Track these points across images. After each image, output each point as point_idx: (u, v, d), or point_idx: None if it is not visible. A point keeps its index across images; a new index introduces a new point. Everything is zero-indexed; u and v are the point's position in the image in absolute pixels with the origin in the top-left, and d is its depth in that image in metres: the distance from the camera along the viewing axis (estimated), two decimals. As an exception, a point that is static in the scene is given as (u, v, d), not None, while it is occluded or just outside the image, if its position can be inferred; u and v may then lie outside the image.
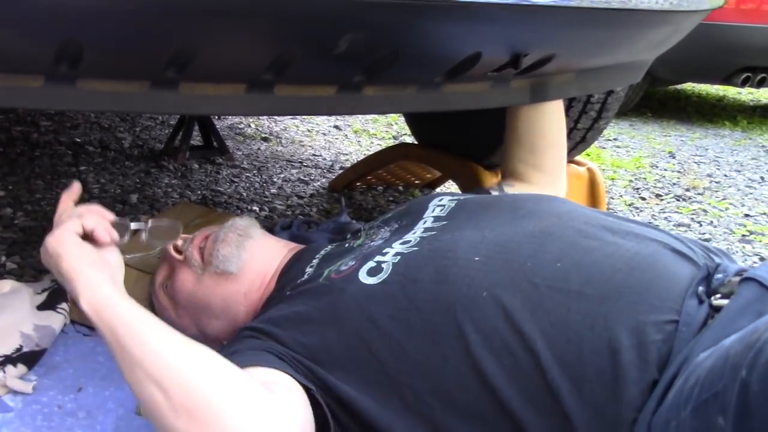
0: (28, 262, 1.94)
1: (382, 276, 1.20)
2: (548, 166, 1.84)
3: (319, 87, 1.33)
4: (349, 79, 1.31)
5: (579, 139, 2.30)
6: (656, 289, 1.09)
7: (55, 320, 1.50)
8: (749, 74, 4.87)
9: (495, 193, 1.74)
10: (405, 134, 4.07)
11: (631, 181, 3.57)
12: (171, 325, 1.13)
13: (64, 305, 1.54)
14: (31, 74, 1.16)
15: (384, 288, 1.18)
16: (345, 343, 1.16)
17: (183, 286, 1.43)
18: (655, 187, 3.49)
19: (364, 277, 1.21)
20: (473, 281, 1.14)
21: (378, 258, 1.25)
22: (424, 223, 1.35)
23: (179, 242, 1.46)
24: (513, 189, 1.78)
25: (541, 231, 1.23)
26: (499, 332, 1.08)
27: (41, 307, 1.52)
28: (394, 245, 1.28)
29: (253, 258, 1.42)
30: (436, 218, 1.36)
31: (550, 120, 1.84)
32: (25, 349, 1.41)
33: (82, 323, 1.57)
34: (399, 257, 1.23)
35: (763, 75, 4.87)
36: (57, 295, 1.55)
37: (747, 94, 7.01)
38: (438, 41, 1.29)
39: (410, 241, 1.28)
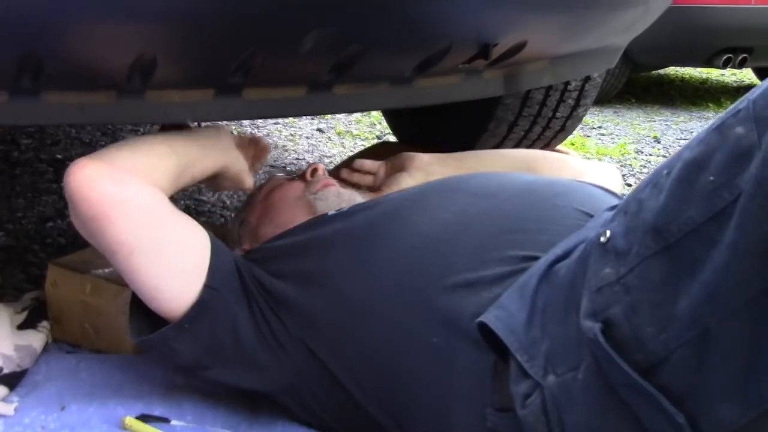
0: (10, 282, 1.92)
1: None
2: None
3: (289, 88, 1.32)
4: (318, 78, 1.30)
5: (558, 128, 2.29)
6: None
7: (36, 339, 1.48)
8: (730, 55, 4.86)
9: None
10: (388, 134, 4.06)
11: (616, 168, 3.56)
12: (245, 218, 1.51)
13: (45, 323, 1.52)
14: (-6, 91, 1.15)
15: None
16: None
17: (286, 192, 1.51)
18: (641, 173, 3.48)
19: None
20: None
21: None
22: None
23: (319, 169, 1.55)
24: None
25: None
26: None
27: (22, 327, 1.50)
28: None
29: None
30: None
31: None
32: (5, 371, 1.39)
33: (63, 341, 1.55)
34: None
35: (744, 55, 4.87)
36: (37, 313, 1.53)
37: (730, 75, 7.02)
38: (405, 33, 1.28)
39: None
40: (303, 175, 1.57)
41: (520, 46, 1.42)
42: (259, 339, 1.27)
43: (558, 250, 1.09)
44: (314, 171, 1.56)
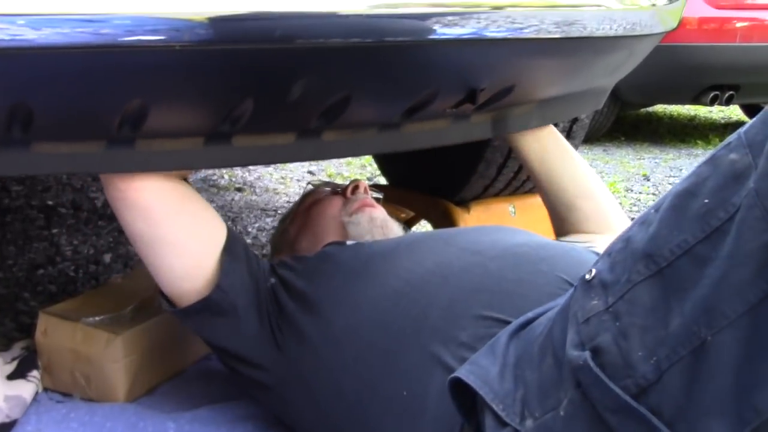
0: (0, 331, 1.92)
1: None
2: (593, 216, 1.72)
3: (278, 135, 1.33)
4: (306, 125, 1.31)
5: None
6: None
7: (26, 389, 1.47)
8: (717, 92, 4.90)
9: None
10: (378, 176, 4.08)
11: (607, 206, 3.57)
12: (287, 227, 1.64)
13: (35, 373, 1.52)
14: (-17, 142, 1.15)
15: None
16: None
17: (325, 209, 1.60)
18: (630, 211, 3.49)
19: None
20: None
21: None
22: None
23: (360, 187, 1.65)
24: (567, 238, 1.69)
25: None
26: None
27: (11, 377, 1.49)
28: None
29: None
30: None
31: (570, 175, 1.76)
32: (-4, 421, 1.39)
33: (54, 390, 1.54)
34: None
35: (731, 92, 4.91)
36: (27, 363, 1.53)
37: (718, 112, 7.07)
38: (392, 81, 1.29)
39: None
40: (344, 191, 1.63)
41: (507, 91, 1.43)
42: (260, 342, 1.35)
43: (530, 314, 1.10)
44: (355, 188, 1.62)
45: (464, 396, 1.05)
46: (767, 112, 0.87)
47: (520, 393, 0.99)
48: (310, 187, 1.74)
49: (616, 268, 0.94)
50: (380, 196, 1.69)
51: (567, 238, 1.71)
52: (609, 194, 1.77)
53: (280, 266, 1.42)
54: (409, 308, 1.23)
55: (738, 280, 0.83)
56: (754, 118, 0.88)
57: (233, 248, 1.37)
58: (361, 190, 1.63)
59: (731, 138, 0.89)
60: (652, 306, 0.89)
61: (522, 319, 1.10)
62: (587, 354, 0.91)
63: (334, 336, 1.28)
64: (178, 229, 1.33)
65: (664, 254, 0.89)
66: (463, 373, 1.05)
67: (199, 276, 1.34)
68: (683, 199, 0.90)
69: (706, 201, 0.87)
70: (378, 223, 1.55)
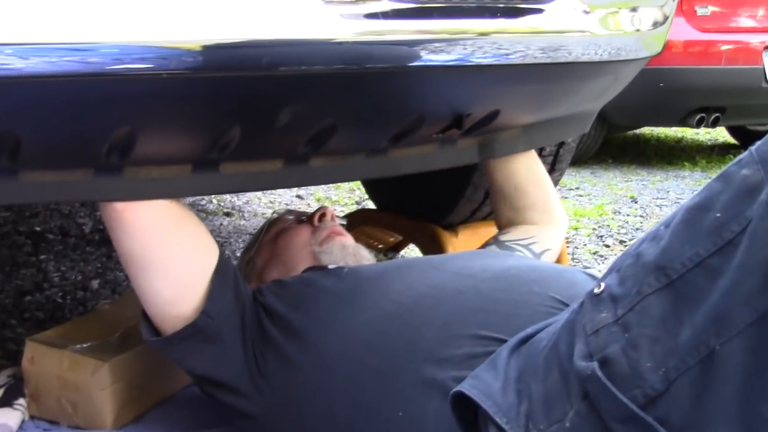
0: (-13, 359, 1.91)
1: None
2: (539, 202, 1.82)
3: (266, 162, 1.33)
4: (294, 151, 1.31)
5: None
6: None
7: (12, 417, 1.46)
8: (703, 115, 4.92)
9: (492, 247, 1.74)
10: (367, 200, 4.08)
11: (594, 229, 3.59)
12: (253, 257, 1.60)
13: (21, 401, 1.51)
14: (-30, 171, 1.15)
15: None
16: None
17: (292, 239, 1.57)
18: (618, 233, 3.50)
19: None
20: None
21: None
22: None
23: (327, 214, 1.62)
24: (508, 234, 1.77)
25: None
26: None
27: (-2, 405, 1.48)
28: None
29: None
30: None
31: (524, 159, 1.83)
32: (-18, 450, 1.38)
33: (41, 417, 1.54)
34: None
35: (717, 114, 4.94)
36: (14, 390, 1.52)
37: (705, 134, 7.10)
38: (379, 107, 1.30)
39: None
40: (311, 219, 1.61)
41: (492, 116, 1.44)
42: (244, 371, 1.33)
43: (529, 330, 1.10)
44: (322, 216, 1.60)
45: (466, 411, 1.05)
46: None
47: (524, 406, 1.00)
48: (274, 215, 1.72)
49: (627, 282, 0.94)
50: (345, 222, 1.67)
51: (509, 235, 1.76)
52: (554, 188, 1.85)
53: (262, 292, 1.41)
54: (403, 330, 1.23)
55: (747, 290, 0.84)
56: (766, 136, 0.90)
57: (223, 272, 1.36)
58: (329, 217, 1.61)
59: (743, 155, 0.90)
60: (663, 317, 0.89)
61: (522, 334, 1.10)
62: (595, 364, 0.92)
63: (324, 361, 1.28)
64: (172, 252, 1.32)
65: (675, 267, 0.89)
66: (465, 387, 1.05)
67: (188, 300, 1.33)
68: (695, 213, 0.91)
69: (719, 215, 0.88)
70: (350, 251, 1.55)
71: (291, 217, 1.67)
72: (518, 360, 1.06)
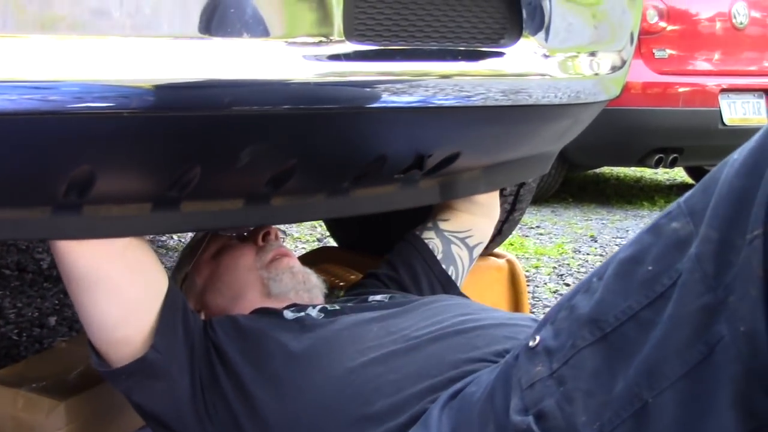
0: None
1: None
2: (481, 195, 1.82)
3: (226, 201, 1.33)
4: (254, 190, 1.31)
5: (496, 232, 2.32)
6: None
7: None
8: (661, 155, 5.00)
9: (434, 241, 1.75)
10: (329, 237, 4.08)
11: (555, 267, 3.61)
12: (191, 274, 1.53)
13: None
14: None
15: None
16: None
17: (236, 260, 1.52)
18: (578, 272, 3.53)
19: None
20: None
21: None
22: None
23: (271, 233, 1.57)
24: (448, 224, 1.78)
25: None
26: None
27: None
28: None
29: (289, 298, 1.49)
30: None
31: None
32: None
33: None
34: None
35: (675, 155, 5.01)
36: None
37: (663, 174, 7.20)
38: (341, 148, 1.31)
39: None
40: (254, 238, 1.56)
41: (453, 157, 1.45)
42: (191, 410, 1.30)
43: (458, 384, 1.11)
44: (266, 235, 1.56)
45: None
46: (706, 181, 0.90)
47: None
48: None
49: (561, 335, 0.95)
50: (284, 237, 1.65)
51: (448, 224, 1.78)
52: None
53: (213, 328, 1.37)
54: (355, 396, 1.21)
55: (678, 342, 0.85)
56: (694, 188, 0.91)
57: (173, 302, 1.33)
58: (273, 236, 1.57)
59: (672, 207, 0.92)
60: (596, 371, 0.90)
61: (451, 389, 1.10)
62: (531, 419, 0.92)
63: (273, 419, 1.25)
64: (120, 272, 1.29)
65: (609, 320, 0.90)
66: None
67: (134, 325, 1.29)
68: (628, 266, 0.92)
69: (650, 268, 0.89)
70: (300, 279, 1.52)
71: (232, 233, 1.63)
72: (450, 415, 1.06)
